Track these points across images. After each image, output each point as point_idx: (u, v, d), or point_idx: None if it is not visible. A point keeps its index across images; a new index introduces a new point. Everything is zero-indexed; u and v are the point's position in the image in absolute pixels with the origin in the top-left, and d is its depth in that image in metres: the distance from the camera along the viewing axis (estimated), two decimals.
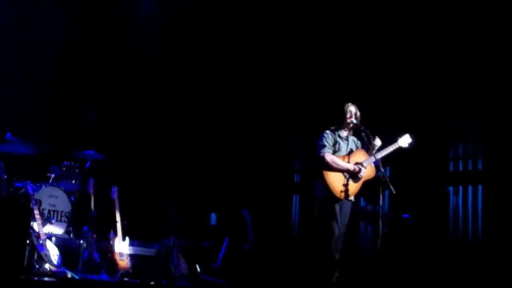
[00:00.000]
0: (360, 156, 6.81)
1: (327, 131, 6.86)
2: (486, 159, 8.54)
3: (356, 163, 6.72)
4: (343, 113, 6.88)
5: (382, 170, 6.54)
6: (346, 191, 6.62)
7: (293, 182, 10.68)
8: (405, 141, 6.95)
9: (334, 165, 6.64)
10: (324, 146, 6.73)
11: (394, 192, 6.43)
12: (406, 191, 8.15)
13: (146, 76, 10.08)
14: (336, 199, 6.62)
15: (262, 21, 9.81)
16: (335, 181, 6.61)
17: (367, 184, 6.84)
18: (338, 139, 6.85)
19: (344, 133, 6.93)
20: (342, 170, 6.65)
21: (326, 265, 6.58)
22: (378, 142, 6.81)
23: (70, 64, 9.86)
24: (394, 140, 6.91)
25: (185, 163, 10.28)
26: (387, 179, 6.47)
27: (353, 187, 6.71)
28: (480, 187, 8.54)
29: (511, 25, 7.96)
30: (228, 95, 10.45)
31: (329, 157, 6.65)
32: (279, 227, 9.95)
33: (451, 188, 8.81)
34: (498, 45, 8.13)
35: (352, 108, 6.90)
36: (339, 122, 6.92)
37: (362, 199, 8.86)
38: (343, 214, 6.71)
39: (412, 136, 6.98)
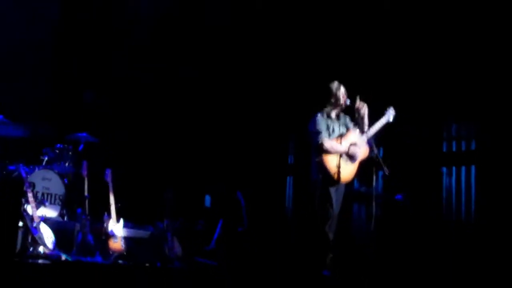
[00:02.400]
0: (353, 136, 6.80)
1: (319, 115, 6.81)
2: (479, 139, 8.56)
3: (351, 144, 6.70)
4: (336, 96, 6.84)
5: (376, 151, 6.54)
6: (344, 174, 6.61)
7: (286, 164, 10.67)
8: (390, 114, 6.99)
9: (332, 150, 6.62)
10: (320, 132, 6.69)
11: (387, 173, 6.43)
12: (400, 172, 8.16)
13: (142, 59, 10.01)
14: (334, 182, 6.61)
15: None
16: (333, 165, 6.60)
17: (361, 164, 6.84)
18: (329, 121, 6.82)
19: (334, 113, 6.90)
20: (339, 153, 6.64)
21: (320, 247, 6.60)
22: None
23: (65, 45, 9.80)
24: (382, 115, 6.92)
25: (179, 145, 10.27)
26: (380, 160, 6.48)
27: (350, 169, 6.71)
28: (473, 168, 8.58)
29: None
30: (221, 80, 10.41)
31: (327, 143, 6.63)
32: (273, 209, 9.97)
33: (444, 169, 8.84)
34: (492, 28, 8.12)
35: (342, 89, 6.86)
36: (331, 104, 6.89)
37: (355, 180, 8.87)
38: (338, 197, 6.72)
39: (400, 113, 7.02)
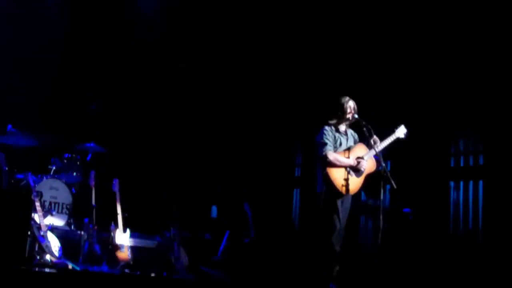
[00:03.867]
0: (360, 150, 6.80)
1: (327, 128, 6.82)
2: (487, 154, 8.55)
3: (357, 158, 6.71)
4: (342, 108, 6.85)
5: (384, 164, 6.54)
6: (349, 186, 6.59)
7: (293, 176, 10.68)
8: (401, 131, 6.94)
9: (337, 162, 6.62)
10: (326, 144, 6.69)
11: (395, 187, 6.41)
12: (407, 186, 8.15)
13: (147, 69, 10.05)
14: (339, 195, 6.61)
15: (261, 19, 9.81)
16: (338, 177, 6.59)
17: (369, 178, 6.83)
18: (338, 135, 6.81)
19: (342, 128, 6.90)
20: (344, 167, 6.65)
21: (326, 259, 6.58)
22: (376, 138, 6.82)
23: (73, 55, 9.84)
24: (392, 131, 6.90)
25: (186, 156, 10.28)
26: (388, 173, 6.46)
27: (356, 182, 6.70)
28: (481, 183, 8.57)
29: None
30: (229, 88, 10.43)
31: (331, 155, 6.63)
32: (279, 221, 9.96)
33: (452, 183, 8.83)
34: (499, 41, 8.13)
35: (351, 103, 6.87)
36: (338, 117, 6.90)
37: (363, 193, 8.86)
38: (344, 208, 6.69)
39: (409, 128, 6.96)
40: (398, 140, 6.92)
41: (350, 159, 6.68)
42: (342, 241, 6.67)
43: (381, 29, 8.94)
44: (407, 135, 6.97)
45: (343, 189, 6.57)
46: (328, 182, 6.58)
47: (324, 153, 6.64)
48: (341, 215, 6.63)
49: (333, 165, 6.62)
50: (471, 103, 8.51)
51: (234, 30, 9.98)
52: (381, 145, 6.77)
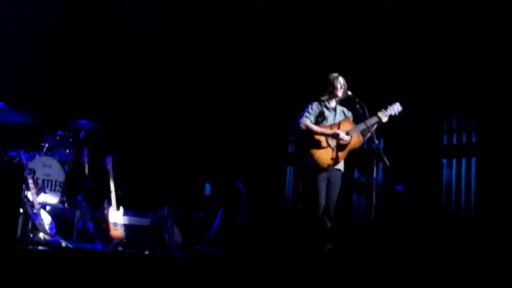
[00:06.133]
0: (345, 125, 6.72)
1: (313, 102, 6.81)
2: (480, 132, 8.57)
3: (341, 131, 6.63)
4: (333, 84, 6.83)
5: (376, 141, 6.52)
6: (330, 159, 6.55)
7: (287, 153, 10.68)
8: (395, 108, 6.81)
9: (309, 131, 6.59)
10: (303, 115, 6.70)
11: (388, 164, 6.39)
12: (400, 163, 8.16)
13: (143, 50, 9.99)
14: (322, 168, 6.55)
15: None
16: (319, 149, 6.56)
17: (361, 155, 6.82)
18: (325, 110, 6.78)
19: (332, 104, 6.87)
20: (319, 135, 6.58)
21: (317, 236, 6.59)
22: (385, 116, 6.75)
23: (67, 33, 9.76)
24: (384, 108, 6.80)
25: (179, 134, 10.27)
26: (381, 150, 6.45)
27: (339, 155, 6.62)
28: (473, 160, 8.60)
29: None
30: (223, 69, 10.39)
31: (303, 124, 6.62)
32: (273, 199, 9.99)
33: (444, 160, 8.86)
34: (491, 23, 8.12)
35: (341, 79, 6.83)
36: (329, 92, 6.87)
37: (356, 170, 8.89)
38: (332, 184, 6.64)
39: (403, 105, 6.88)
40: (391, 117, 6.85)
41: (326, 129, 6.63)
42: (333, 217, 6.66)
43: (375, 13, 8.91)
44: (401, 113, 6.88)
45: (324, 162, 6.52)
46: (309, 153, 6.55)
47: (297, 123, 6.66)
48: (330, 190, 6.60)
49: (306, 134, 6.60)
50: (464, 81, 8.51)
51: (226, 21, 9.94)
52: (371, 120, 6.67)
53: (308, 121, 6.67)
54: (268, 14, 9.65)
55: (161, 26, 9.89)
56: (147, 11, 9.88)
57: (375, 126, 6.70)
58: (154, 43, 9.98)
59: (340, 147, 6.62)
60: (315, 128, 6.62)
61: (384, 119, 6.73)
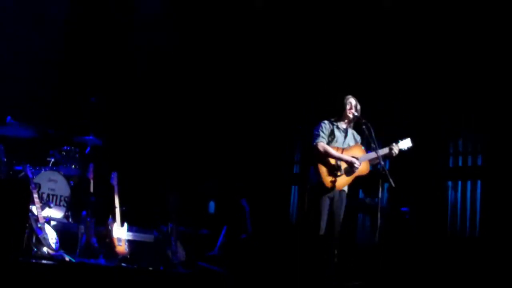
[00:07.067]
0: (356, 151, 6.75)
1: (325, 121, 6.82)
2: (486, 155, 8.56)
3: (352, 157, 6.67)
4: (343, 105, 6.85)
5: (382, 163, 6.52)
6: (336, 182, 6.54)
7: (292, 173, 10.68)
8: (405, 144, 6.84)
9: (326, 154, 6.60)
10: (319, 135, 6.69)
11: (393, 185, 6.38)
12: (406, 185, 8.14)
13: (147, 62, 10.04)
14: (326, 189, 6.55)
15: (263, 12, 9.81)
16: (328, 171, 6.56)
17: (367, 177, 6.81)
18: (336, 130, 6.79)
19: (343, 125, 6.88)
20: (335, 159, 6.59)
21: (322, 255, 6.56)
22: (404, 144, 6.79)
23: (73, 48, 9.83)
24: (395, 142, 6.81)
25: (185, 151, 10.28)
26: (387, 172, 6.44)
27: (344, 180, 6.64)
28: (479, 183, 8.57)
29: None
30: (229, 85, 10.43)
31: (321, 146, 6.62)
32: (277, 218, 9.97)
33: (450, 183, 8.83)
34: (499, 42, 8.14)
35: (352, 100, 6.87)
36: (339, 113, 6.89)
37: (360, 191, 8.87)
38: (335, 205, 6.63)
39: (412, 137, 6.88)
40: (400, 151, 6.82)
41: (343, 154, 6.63)
42: (339, 238, 6.64)
43: (382, 29, 8.95)
44: (410, 149, 6.88)
45: (329, 183, 6.52)
46: (317, 173, 6.56)
47: (315, 143, 6.66)
48: (335, 213, 6.59)
49: (323, 156, 6.60)
50: (470, 103, 8.53)
51: (232, 24, 9.99)
52: (382, 151, 6.69)
53: (324, 142, 6.68)
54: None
55: (163, 33, 9.96)
56: (149, 19, 9.96)
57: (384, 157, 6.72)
58: (159, 57, 10.04)
59: (348, 172, 6.64)
60: (333, 152, 6.62)
61: (395, 153, 6.76)
